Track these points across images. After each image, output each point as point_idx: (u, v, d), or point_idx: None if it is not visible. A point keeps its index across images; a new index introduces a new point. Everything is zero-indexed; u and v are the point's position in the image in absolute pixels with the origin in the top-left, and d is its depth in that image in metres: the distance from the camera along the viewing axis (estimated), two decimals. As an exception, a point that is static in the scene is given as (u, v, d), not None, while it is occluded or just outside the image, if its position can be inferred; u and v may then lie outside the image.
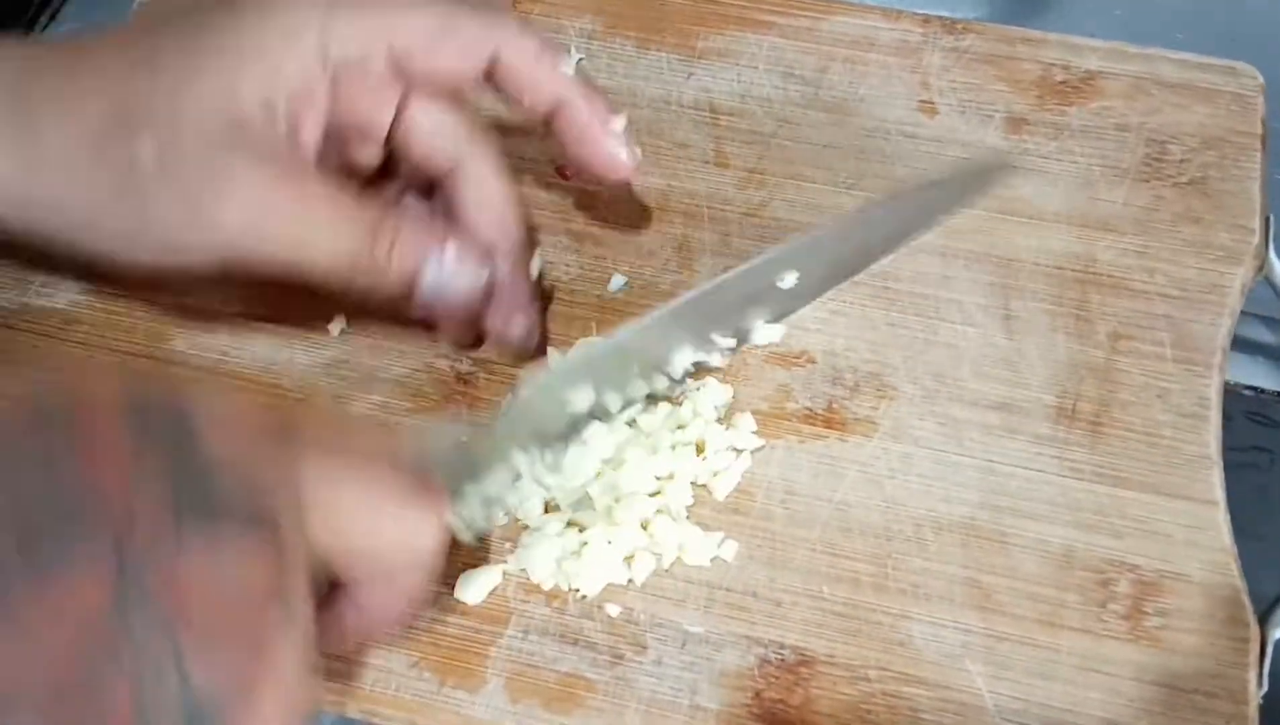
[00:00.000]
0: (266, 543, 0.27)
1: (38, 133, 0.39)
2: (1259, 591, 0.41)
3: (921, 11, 0.52)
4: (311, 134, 0.39)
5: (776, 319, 0.44)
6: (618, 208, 0.48)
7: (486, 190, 0.41)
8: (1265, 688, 0.39)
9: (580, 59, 0.52)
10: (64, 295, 0.47)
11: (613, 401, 0.41)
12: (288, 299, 0.45)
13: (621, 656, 0.40)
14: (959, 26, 0.51)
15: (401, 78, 0.40)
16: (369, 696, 0.40)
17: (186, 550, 0.25)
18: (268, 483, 0.28)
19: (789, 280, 0.41)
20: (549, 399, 0.40)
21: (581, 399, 0.40)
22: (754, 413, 0.44)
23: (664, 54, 0.52)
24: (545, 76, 0.40)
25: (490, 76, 0.40)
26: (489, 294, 0.41)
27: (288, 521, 0.28)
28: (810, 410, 0.44)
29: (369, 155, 0.41)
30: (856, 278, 0.46)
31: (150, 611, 0.24)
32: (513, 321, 0.42)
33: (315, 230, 0.38)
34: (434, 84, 0.40)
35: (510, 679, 0.40)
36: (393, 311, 0.43)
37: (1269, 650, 0.40)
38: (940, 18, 0.52)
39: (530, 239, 0.44)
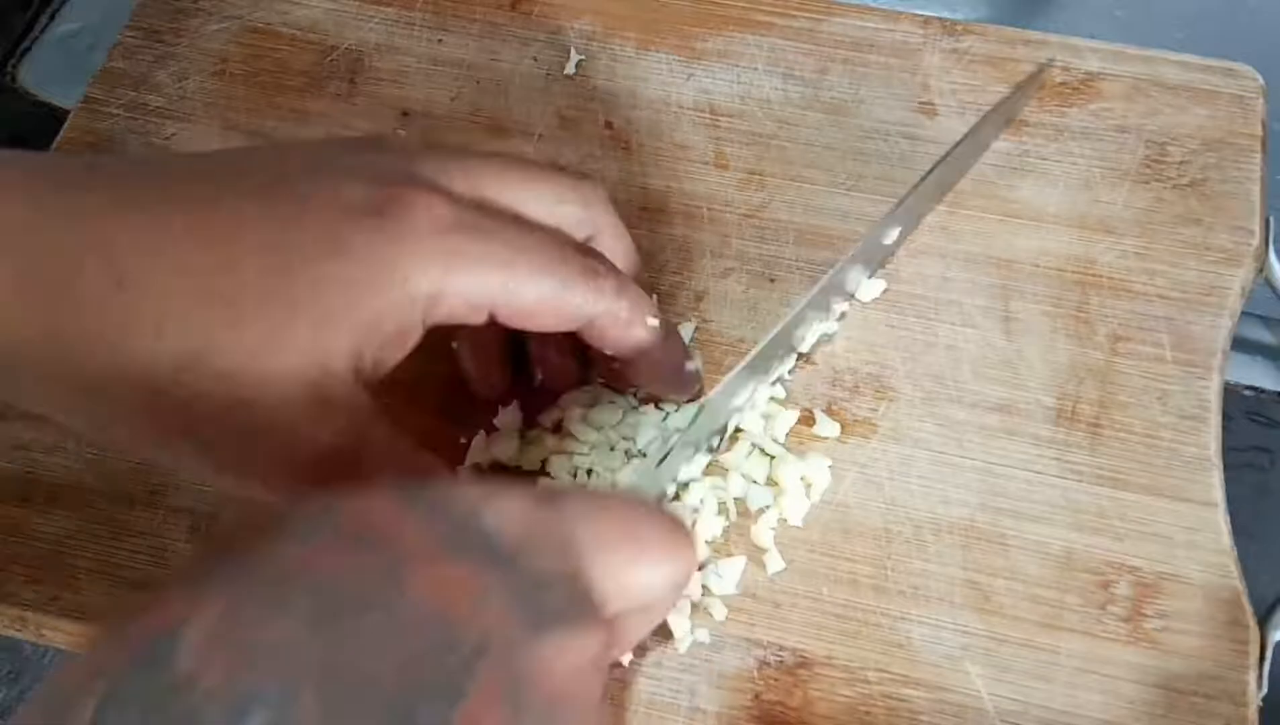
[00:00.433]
0: (596, 631, 0.27)
1: (84, 339, 0.32)
2: (1259, 593, 0.41)
3: (921, 13, 0.52)
4: (389, 366, 0.35)
5: (876, 272, 0.46)
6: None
7: (616, 332, 0.39)
8: (1265, 689, 0.39)
9: (581, 60, 0.52)
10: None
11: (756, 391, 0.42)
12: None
13: (620, 659, 0.40)
14: (959, 28, 0.51)
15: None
16: (368, 698, 0.40)
17: (544, 661, 0.26)
18: (571, 567, 0.28)
19: (892, 236, 0.44)
20: (723, 402, 0.41)
21: (743, 396, 0.41)
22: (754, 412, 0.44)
23: (664, 55, 0.52)
24: (632, 337, 0.39)
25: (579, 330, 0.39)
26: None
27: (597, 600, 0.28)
28: (810, 411, 0.44)
29: None
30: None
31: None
32: (684, 368, 0.42)
33: (361, 479, 0.34)
34: (523, 326, 0.38)
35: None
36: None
37: (1269, 652, 0.40)
38: (940, 19, 0.52)
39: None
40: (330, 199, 0.34)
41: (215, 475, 0.35)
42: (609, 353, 0.39)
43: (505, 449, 0.42)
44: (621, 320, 0.38)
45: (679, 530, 0.31)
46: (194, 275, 0.32)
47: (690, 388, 0.43)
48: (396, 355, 0.35)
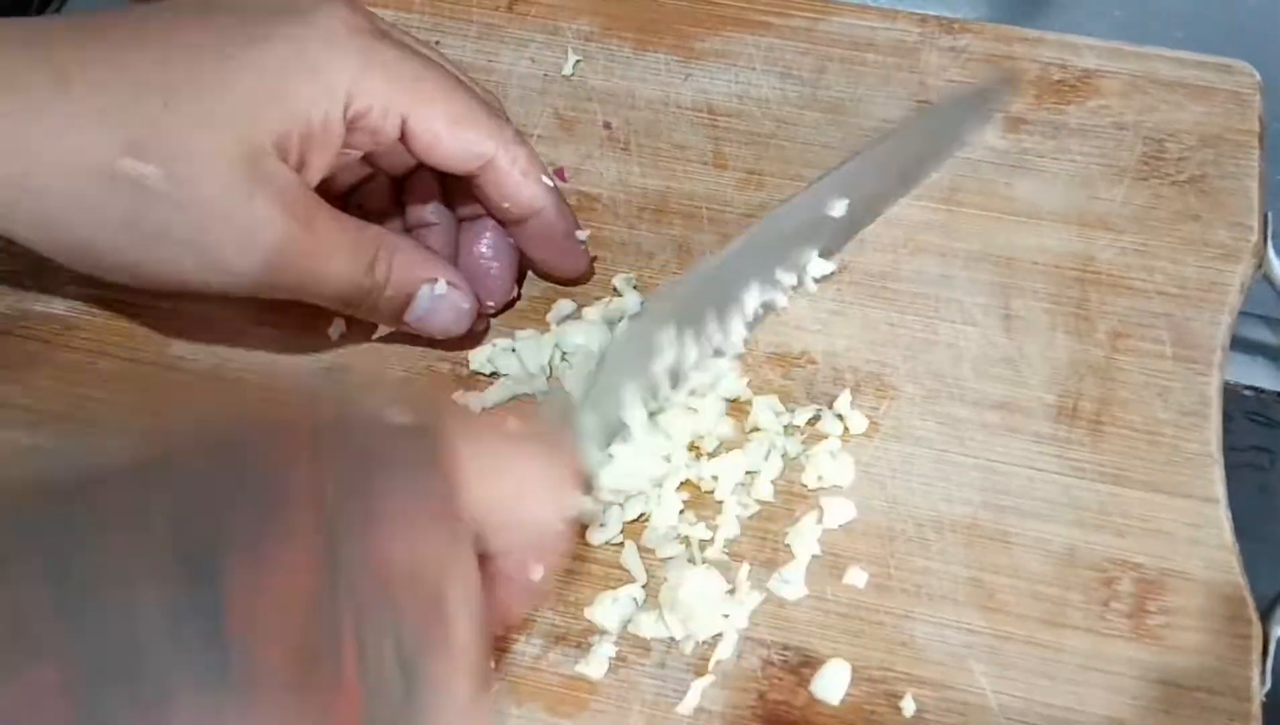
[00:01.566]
0: (442, 513, 0.28)
1: (31, 139, 0.37)
2: (1260, 590, 0.41)
3: (919, 11, 0.52)
4: (318, 171, 0.40)
5: (830, 253, 0.45)
6: (617, 210, 0.48)
7: (514, 178, 0.42)
8: (1268, 685, 0.39)
9: (578, 60, 0.52)
10: (62, 301, 0.47)
11: (689, 354, 0.42)
12: (287, 303, 0.45)
13: (625, 659, 0.40)
14: (956, 26, 0.51)
15: (402, 143, 0.41)
16: (372, 701, 0.40)
17: (378, 523, 0.27)
18: (429, 457, 0.29)
19: (839, 208, 0.44)
20: (641, 342, 0.41)
21: (668, 343, 0.41)
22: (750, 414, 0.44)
23: (661, 55, 0.52)
24: (528, 188, 0.42)
25: (478, 173, 0.42)
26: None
27: (454, 493, 0.29)
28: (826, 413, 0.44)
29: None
30: (854, 279, 0.46)
31: (363, 582, 0.26)
32: (573, 234, 0.45)
33: (323, 263, 0.39)
34: (426, 160, 0.41)
35: (514, 683, 0.40)
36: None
37: (1271, 648, 0.40)
38: (937, 17, 0.52)
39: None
40: (257, 4, 0.39)
41: (177, 269, 0.38)
42: (503, 206, 0.42)
43: None
44: (519, 167, 0.41)
45: (559, 457, 0.33)
46: (131, 70, 0.37)
47: (578, 258, 0.45)
48: (324, 156, 0.39)
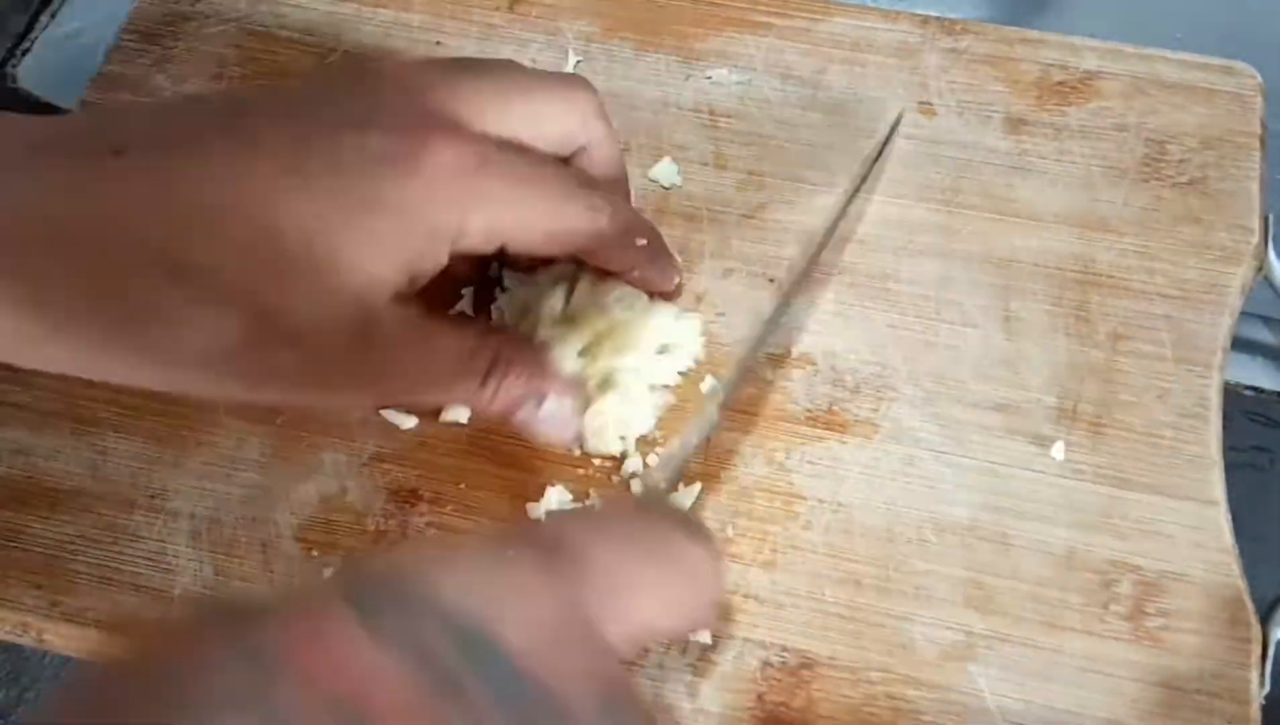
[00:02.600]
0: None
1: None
2: (1260, 592, 0.41)
3: (920, 12, 0.52)
4: (420, 283, 0.38)
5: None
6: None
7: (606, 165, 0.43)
8: (1267, 688, 0.39)
9: (579, 61, 0.52)
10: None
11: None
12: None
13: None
14: (957, 27, 0.51)
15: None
16: (370, 701, 0.40)
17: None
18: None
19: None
20: None
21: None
22: (754, 415, 0.44)
23: (662, 56, 0.52)
24: (625, 259, 0.43)
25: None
26: None
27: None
28: (811, 412, 0.44)
29: None
30: (854, 281, 0.46)
31: None
32: (667, 268, 0.44)
33: (433, 380, 0.40)
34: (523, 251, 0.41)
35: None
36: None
37: (1271, 650, 0.40)
38: (938, 18, 0.52)
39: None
40: (358, 155, 0.36)
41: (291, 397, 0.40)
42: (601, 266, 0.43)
43: None
44: (615, 245, 0.41)
45: (703, 558, 0.33)
46: (249, 248, 0.35)
47: (673, 274, 0.45)
48: (424, 281, 0.38)
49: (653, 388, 0.44)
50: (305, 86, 0.40)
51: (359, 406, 0.42)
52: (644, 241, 0.43)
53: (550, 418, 0.41)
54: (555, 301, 0.43)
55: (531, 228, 0.39)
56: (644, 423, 0.43)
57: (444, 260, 0.38)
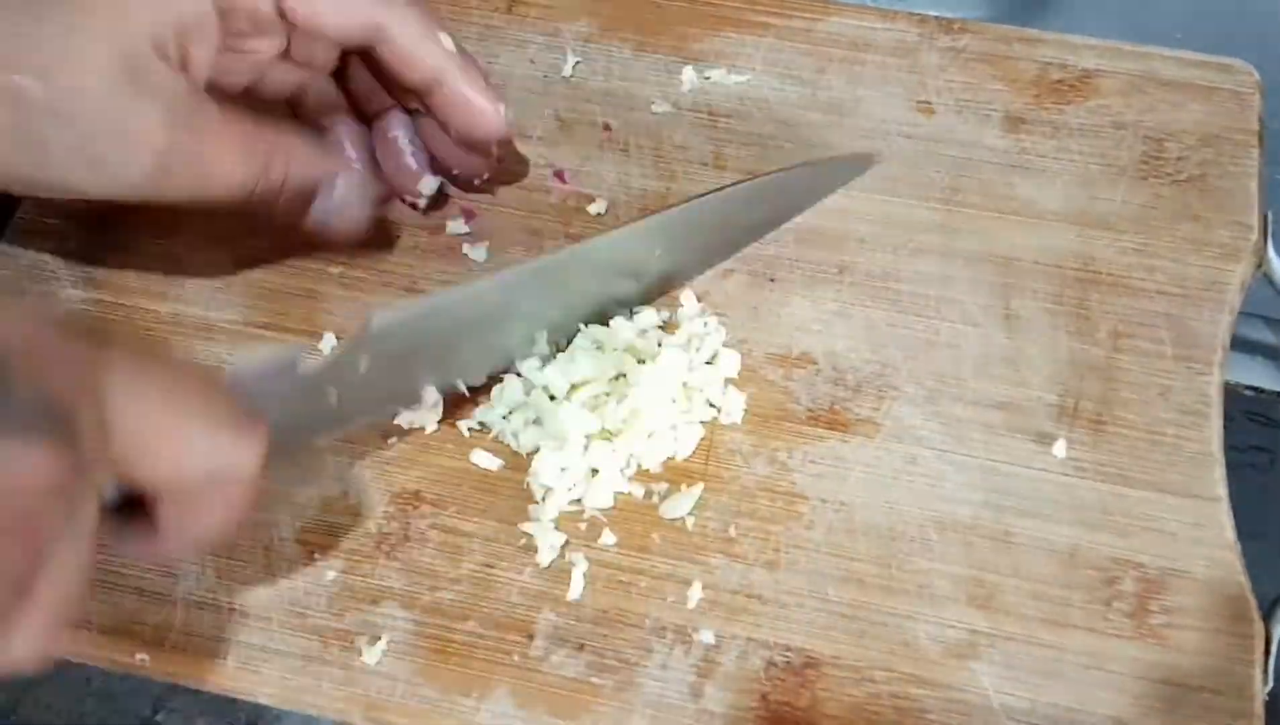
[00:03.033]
0: (58, 448, 0.28)
1: None
2: (1261, 590, 0.41)
3: (918, 11, 0.52)
4: (201, 67, 0.39)
5: (646, 301, 0.46)
6: (617, 211, 0.48)
7: (407, 43, 0.42)
8: (1270, 684, 0.39)
9: (578, 61, 0.52)
10: (61, 304, 0.47)
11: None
12: (286, 307, 0.46)
13: (627, 660, 0.40)
14: (955, 26, 0.51)
15: (285, 25, 0.40)
16: (375, 703, 0.40)
17: None
18: (68, 393, 0.28)
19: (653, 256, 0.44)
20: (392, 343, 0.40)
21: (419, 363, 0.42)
22: (756, 414, 0.44)
23: (661, 56, 0.52)
24: (426, 53, 0.42)
25: (374, 49, 0.41)
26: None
27: (86, 431, 0.29)
28: (812, 412, 0.44)
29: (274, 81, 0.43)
30: (855, 280, 0.46)
31: None
32: (487, 94, 0.43)
33: (213, 164, 0.39)
34: (316, 38, 0.41)
35: (516, 685, 0.40)
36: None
37: (1274, 647, 0.40)
38: (937, 17, 0.52)
39: None
40: None
41: (66, 177, 0.38)
42: (407, 78, 0.41)
43: None
44: (413, 31, 0.40)
45: (233, 418, 0.33)
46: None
47: (494, 119, 0.43)
48: (205, 49, 0.38)
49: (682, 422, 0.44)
50: None
51: (135, 192, 0.39)
52: (449, 42, 0.42)
53: (344, 205, 0.41)
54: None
55: None
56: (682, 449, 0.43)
57: (211, 16, 0.38)
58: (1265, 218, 0.47)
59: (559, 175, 0.49)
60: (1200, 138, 0.48)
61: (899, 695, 0.39)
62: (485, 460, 0.43)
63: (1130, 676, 0.39)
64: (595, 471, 0.42)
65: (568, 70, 0.51)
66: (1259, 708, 0.39)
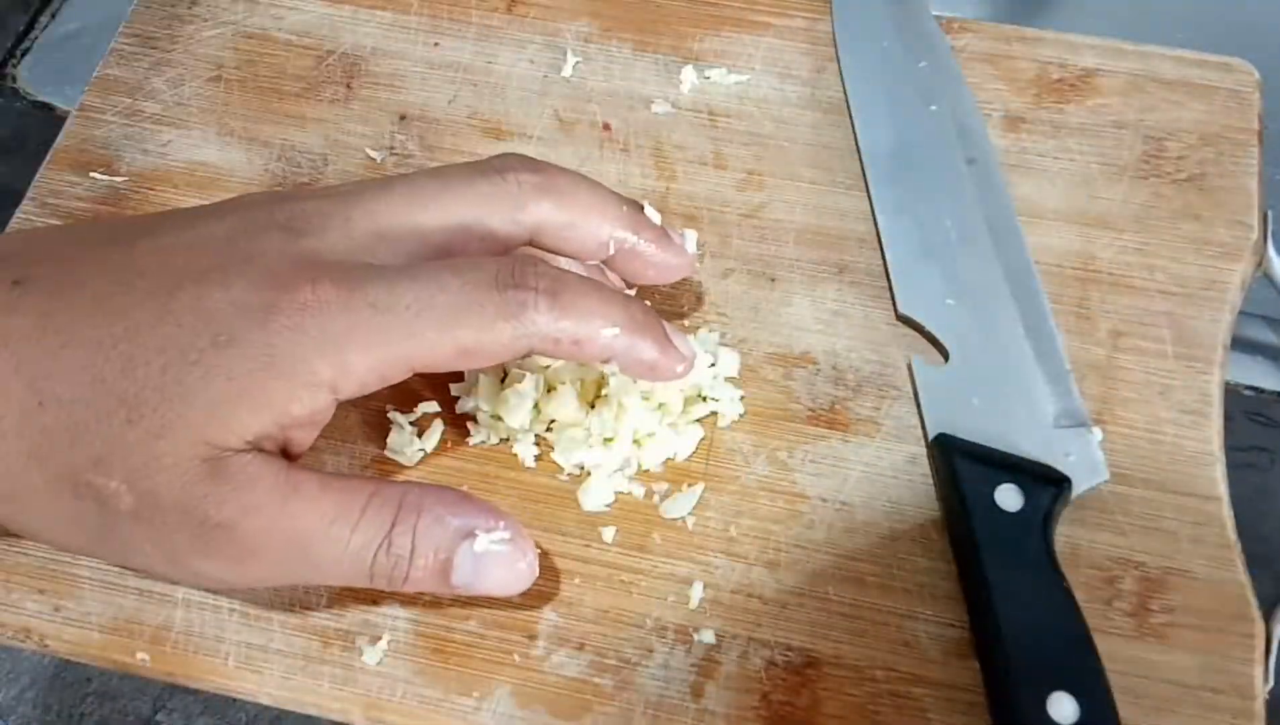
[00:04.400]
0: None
1: (7, 457, 0.35)
2: (1261, 592, 0.41)
3: (918, 11, 0.52)
4: (304, 442, 0.37)
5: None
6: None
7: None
8: (1271, 683, 0.39)
9: (577, 61, 0.52)
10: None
11: None
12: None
13: (628, 660, 0.40)
14: (955, 25, 0.51)
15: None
16: (375, 703, 0.40)
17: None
18: None
19: None
20: None
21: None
22: (757, 414, 0.44)
23: (661, 56, 0.52)
24: (595, 348, 0.38)
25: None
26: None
27: None
28: (813, 411, 0.44)
29: None
30: (855, 280, 0.46)
31: None
32: (668, 361, 0.39)
33: (317, 544, 0.35)
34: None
35: (517, 686, 0.40)
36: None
37: (1275, 646, 0.40)
38: (936, 16, 0.52)
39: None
40: (222, 298, 0.35)
41: (154, 572, 0.38)
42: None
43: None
44: (568, 341, 0.37)
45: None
46: (100, 382, 0.34)
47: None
48: (312, 433, 0.36)
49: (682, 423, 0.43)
50: (196, 221, 0.38)
51: (234, 585, 0.37)
52: (615, 330, 0.37)
53: (493, 560, 0.37)
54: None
55: (431, 350, 0.35)
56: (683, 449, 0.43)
57: (325, 408, 0.35)
58: (1265, 217, 0.47)
59: (559, 175, 0.49)
60: (1200, 137, 0.48)
61: (900, 694, 0.39)
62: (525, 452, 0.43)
63: (1131, 676, 0.39)
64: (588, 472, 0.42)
65: (568, 70, 0.51)
66: (1260, 708, 0.39)
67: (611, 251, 0.41)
